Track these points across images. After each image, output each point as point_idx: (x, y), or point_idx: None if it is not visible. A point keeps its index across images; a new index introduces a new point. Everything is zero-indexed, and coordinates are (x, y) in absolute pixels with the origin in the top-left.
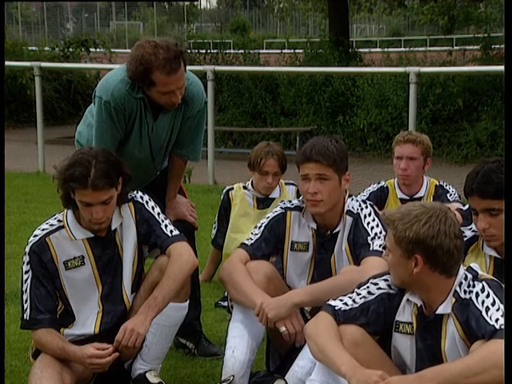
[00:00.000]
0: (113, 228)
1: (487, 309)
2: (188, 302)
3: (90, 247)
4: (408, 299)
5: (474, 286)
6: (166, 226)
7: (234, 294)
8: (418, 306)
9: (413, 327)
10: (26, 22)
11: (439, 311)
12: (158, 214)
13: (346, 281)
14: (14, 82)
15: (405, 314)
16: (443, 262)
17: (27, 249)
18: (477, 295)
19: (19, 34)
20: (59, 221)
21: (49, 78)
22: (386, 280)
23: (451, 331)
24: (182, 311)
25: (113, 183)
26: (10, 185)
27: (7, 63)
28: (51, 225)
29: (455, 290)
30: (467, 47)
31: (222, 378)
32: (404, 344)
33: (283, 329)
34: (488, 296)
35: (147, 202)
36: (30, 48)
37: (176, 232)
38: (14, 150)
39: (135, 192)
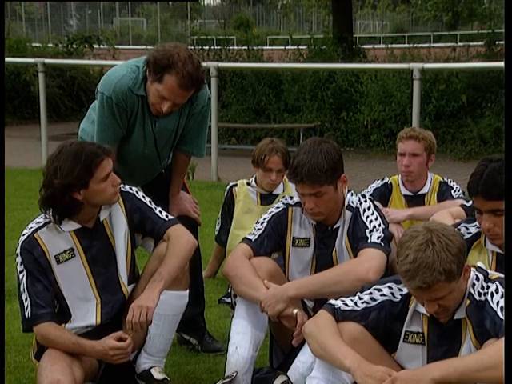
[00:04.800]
0: (101, 219)
1: (502, 309)
2: (188, 290)
3: (77, 239)
4: (415, 310)
5: (488, 287)
6: (160, 211)
7: (240, 288)
8: (428, 315)
9: (423, 336)
10: (30, 18)
11: (457, 316)
12: (150, 201)
13: (341, 272)
14: (18, 79)
15: (414, 323)
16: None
17: (18, 249)
18: (492, 296)
19: (23, 31)
20: (45, 217)
21: (52, 74)
22: (389, 287)
23: (468, 335)
24: (183, 300)
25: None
26: (13, 181)
27: (11, 59)
28: (38, 222)
29: (469, 292)
30: (471, 43)
31: (226, 375)
32: (413, 353)
33: (295, 311)
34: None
35: (137, 192)
36: (33, 44)
37: (171, 216)
38: (17, 147)
39: (122, 184)
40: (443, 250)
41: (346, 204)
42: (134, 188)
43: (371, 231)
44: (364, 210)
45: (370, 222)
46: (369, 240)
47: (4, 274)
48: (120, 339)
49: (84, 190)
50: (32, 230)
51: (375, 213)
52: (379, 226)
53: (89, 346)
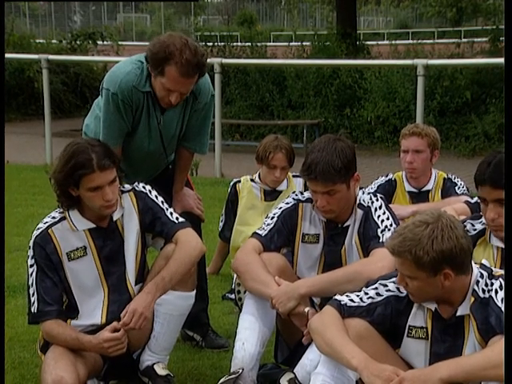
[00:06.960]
0: (114, 218)
1: None
2: (195, 291)
3: (91, 238)
4: (420, 304)
5: (492, 284)
6: (171, 213)
7: (250, 284)
8: (433, 310)
9: (426, 331)
10: (34, 14)
11: (459, 313)
12: (162, 202)
13: (354, 271)
14: (22, 75)
15: (418, 318)
16: (466, 263)
17: (31, 242)
18: (496, 292)
19: (26, 27)
20: (61, 213)
21: (56, 70)
22: (395, 282)
23: (472, 332)
24: (189, 301)
25: (114, 162)
26: (17, 177)
27: (15, 56)
28: (53, 217)
29: (473, 290)
30: (475, 39)
31: (231, 370)
32: (416, 349)
33: (307, 309)
34: None
35: (150, 191)
36: (37, 41)
37: (182, 219)
38: (21, 143)
39: (136, 183)
40: (429, 238)
41: (357, 202)
42: (147, 187)
43: (383, 231)
44: (376, 209)
45: (382, 221)
46: (381, 240)
47: (4, 272)
48: (115, 330)
49: (76, 189)
50: (47, 225)
51: (387, 212)
52: (391, 225)
53: (87, 341)
